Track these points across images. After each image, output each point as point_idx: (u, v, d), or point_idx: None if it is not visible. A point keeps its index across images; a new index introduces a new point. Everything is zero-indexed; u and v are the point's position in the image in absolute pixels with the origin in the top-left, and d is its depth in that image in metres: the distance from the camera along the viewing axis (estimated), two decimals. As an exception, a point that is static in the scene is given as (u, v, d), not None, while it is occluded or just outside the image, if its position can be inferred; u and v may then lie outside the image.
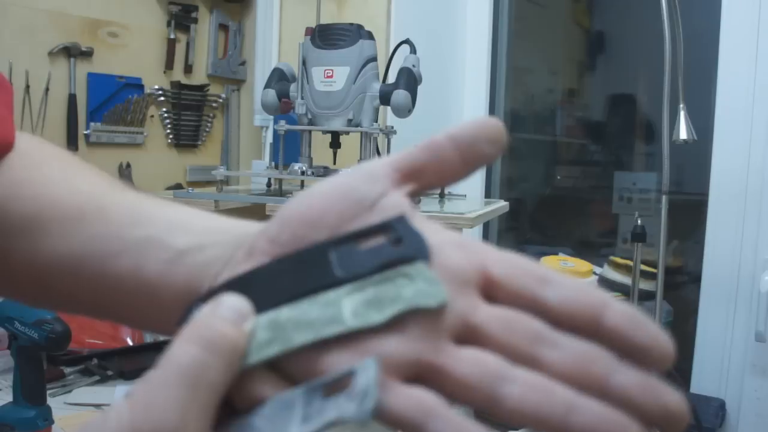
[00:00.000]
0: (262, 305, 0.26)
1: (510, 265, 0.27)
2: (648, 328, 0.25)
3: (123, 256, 0.32)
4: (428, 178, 0.29)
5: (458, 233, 0.28)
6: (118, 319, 0.36)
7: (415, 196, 0.30)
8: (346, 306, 0.25)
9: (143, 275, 0.31)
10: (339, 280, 0.26)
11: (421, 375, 0.25)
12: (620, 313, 0.25)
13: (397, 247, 0.27)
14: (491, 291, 0.26)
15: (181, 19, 1.82)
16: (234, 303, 0.25)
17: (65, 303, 0.37)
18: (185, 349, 0.23)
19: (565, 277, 0.26)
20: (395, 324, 0.25)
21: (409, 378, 0.24)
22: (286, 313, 0.25)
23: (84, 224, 0.33)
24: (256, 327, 0.25)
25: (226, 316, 0.24)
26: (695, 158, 1.53)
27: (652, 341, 0.24)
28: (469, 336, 0.25)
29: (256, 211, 1.16)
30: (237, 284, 0.27)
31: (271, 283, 0.27)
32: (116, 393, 1.24)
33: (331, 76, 1.17)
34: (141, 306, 0.32)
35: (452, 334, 0.25)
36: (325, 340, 0.25)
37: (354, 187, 0.28)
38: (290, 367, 0.25)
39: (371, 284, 0.26)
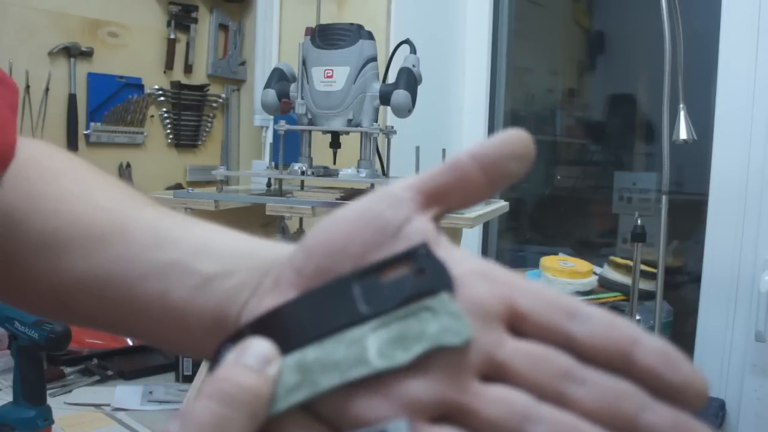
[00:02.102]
0: (288, 345, 0.26)
1: (537, 297, 0.26)
2: (682, 366, 0.24)
3: (148, 280, 0.32)
4: (452, 200, 0.29)
5: (484, 261, 0.28)
6: (142, 338, 0.35)
7: (440, 219, 0.29)
8: (371, 344, 0.25)
9: (170, 301, 0.31)
10: (363, 316, 0.26)
11: (447, 414, 0.24)
12: (652, 350, 0.24)
13: (420, 278, 0.26)
14: (518, 324, 0.26)
15: (181, 19, 1.82)
16: (259, 348, 0.25)
17: (88, 322, 0.36)
18: (204, 405, 0.23)
19: (595, 309, 0.25)
20: (420, 362, 0.24)
21: (435, 417, 0.24)
22: (312, 353, 0.25)
23: (105, 245, 0.33)
24: (283, 370, 0.25)
25: (251, 364, 0.24)
26: (695, 158, 1.53)
27: (685, 381, 0.24)
28: (494, 372, 0.25)
29: (256, 211, 1.15)
30: (263, 323, 0.27)
31: (297, 321, 0.27)
32: (116, 393, 1.24)
33: (331, 76, 1.17)
34: (167, 330, 0.32)
35: (478, 370, 0.25)
36: (352, 382, 0.24)
37: (378, 213, 0.28)
38: (319, 408, 0.25)
39: (395, 319, 0.26)
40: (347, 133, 1.23)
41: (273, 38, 1.81)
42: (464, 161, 0.28)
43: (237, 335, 0.27)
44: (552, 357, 0.25)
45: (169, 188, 1.76)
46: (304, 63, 1.19)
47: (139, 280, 0.32)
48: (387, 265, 0.27)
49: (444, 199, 0.29)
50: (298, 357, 0.25)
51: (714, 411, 1.28)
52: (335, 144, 1.26)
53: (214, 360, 0.27)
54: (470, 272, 0.27)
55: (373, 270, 0.27)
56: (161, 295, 0.31)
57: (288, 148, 1.22)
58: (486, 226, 2.00)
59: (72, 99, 1.63)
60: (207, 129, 1.92)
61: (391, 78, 1.22)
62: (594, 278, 1.50)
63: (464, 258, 0.27)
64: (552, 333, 0.25)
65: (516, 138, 0.28)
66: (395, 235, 0.27)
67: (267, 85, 1.23)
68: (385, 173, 1.27)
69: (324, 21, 1.64)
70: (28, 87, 1.55)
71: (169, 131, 1.83)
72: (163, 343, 0.34)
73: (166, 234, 0.33)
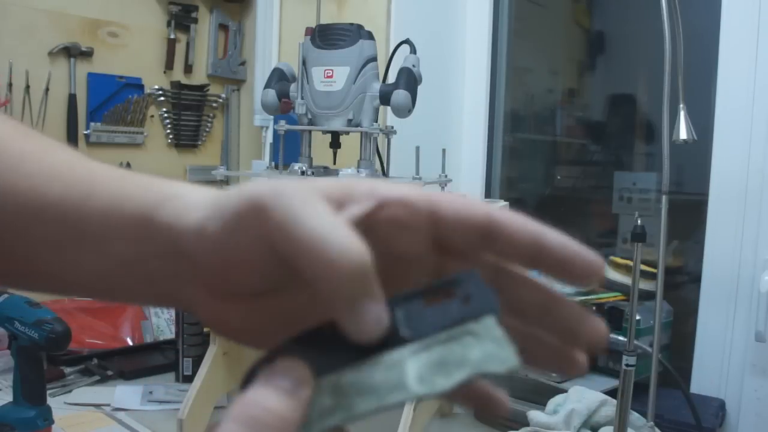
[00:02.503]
0: (324, 366, 0.25)
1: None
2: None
3: (81, 266, 0.32)
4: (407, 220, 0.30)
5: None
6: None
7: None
8: (410, 368, 0.24)
9: (106, 279, 0.32)
10: (404, 339, 0.25)
11: None
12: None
13: (466, 305, 0.26)
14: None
15: (181, 19, 1.82)
16: (291, 370, 0.24)
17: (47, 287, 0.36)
18: (229, 429, 0.23)
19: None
20: None
21: None
22: (348, 376, 0.25)
23: (25, 237, 0.32)
24: (319, 392, 0.24)
25: (281, 386, 0.24)
26: (695, 158, 1.53)
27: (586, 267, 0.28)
28: None
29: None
30: (298, 344, 0.27)
31: (335, 343, 0.26)
32: (116, 393, 1.24)
33: (331, 76, 1.17)
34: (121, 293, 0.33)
35: None
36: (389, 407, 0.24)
37: None
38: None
39: (437, 343, 0.25)
40: (347, 133, 1.23)
41: (273, 38, 1.81)
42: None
43: (270, 356, 0.26)
44: None
45: (169, 188, 1.76)
46: (304, 63, 1.19)
47: (72, 268, 0.32)
48: (433, 291, 0.27)
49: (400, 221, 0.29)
50: (334, 379, 0.25)
51: (714, 411, 1.28)
52: (335, 144, 1.26)
53: (246, 381, 0.26)
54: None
55: (417, 295, 0.27)
56: (99, 277, 0.32)
57: (288, 148, 1.22)
58: (486, 226, 1.99)
59: (72, 99, 1.63)
60: (207, 129, 1.92)
61: (391, 78, 1.22)
62: (594, 278, 1.50)
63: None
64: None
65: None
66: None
67: (267, 85, 1.23)
68: (385, 173, 1.27)
69: (324, 21, 1.64)
70: (28, 87, 1.55)
71: (169, 131, 1.83)
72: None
73: (73, 215, 0.32)
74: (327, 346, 0.26)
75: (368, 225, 0.27)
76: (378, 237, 0.27)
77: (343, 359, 0.25)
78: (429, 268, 0.30)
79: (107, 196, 0.31)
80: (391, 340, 0.25)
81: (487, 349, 0.24)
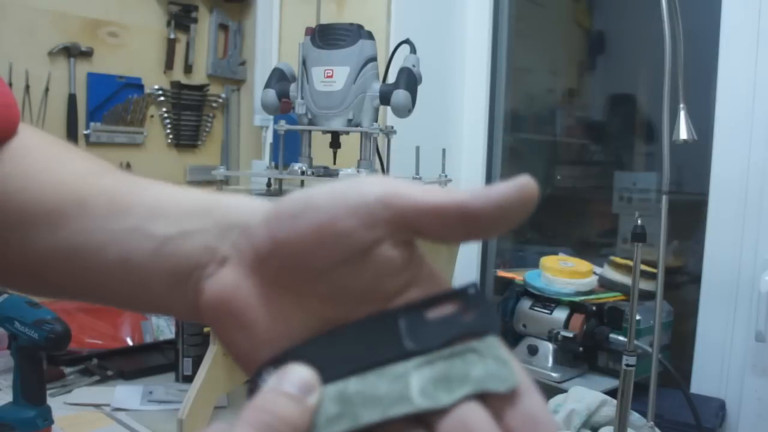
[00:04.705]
0: (330, 373, 0.26)
1: None
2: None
3: (109, 248, 0.32)
4: (425, 234, 0.28)
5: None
6: (112, 303, 0.36)
7: (408, 245, 0.29)
8: (414, 382, 0.25)
9: (130, 266, 0.32)
10: (408, 351, 0.26)
11: None
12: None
13: (467, 317, 0.26)
14: None
15: (181, 19, 1.82)
16: (300, 376, 0.25)
17: (59, 292, 0.37)
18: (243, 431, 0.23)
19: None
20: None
21: None
22: (354, 385, 0.25)
23: (66, 219, 0.34)
24: (324, 399, 0.25)
25: (290, 392, 0.24)
26: (695, 158, 1.53)
27: None
28: None
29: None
30: (305, 349, 0.27)
31: (340, 350, 0.27)
32: (116, 393, 1.24)
33: (331, 76, 1.17)
34: (132, 292, 0.33)
35: None
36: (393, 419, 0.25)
37: (349, 230, 0.27)
38: None
39: (440, 359, 0.25)
40: (347, 133, 1.23)
41: (273, 38, 1.81)
42: (449, 207, 0.27)
43: (278, 359, 0.27)
44: None
45: (169, 188, 1.76)
46: (304, 63, 1.19)
47: (99, 250, 0.33)
48: (435, 301, 0.27)
49: (418, 230, 0.28)
50: (340, 387, 0.25)
51: (714, 411, 1.28)
52: (335, 144, 1.26)
53: (253, 382, 0.27)
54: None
55: (420, 305, 0.27)
56: (122, 261, 0.32)
57: (288, 148, 1.22)
58: (486, 226, 1.99)
59: (72, 99, 1.63)
60: (207, 129, 1.92)
61: (391, 78, 1.22)
62: (594, 278, 1.50)
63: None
64: None
65: (513, 199, 0.27)
66: (362, 255, 0.27)
67: (267, 85, 1.23)
68: (385, 173, 1.27)
69: (324, 21, 1.64)
70: (28, 87, 1.55)
71: (169, 131, 1.84)
72: (131, 306, 0.35)
73: (122, 200, 0.33)
74: (334, 353, 0.27)
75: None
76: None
77: (350, 368, 0.26)
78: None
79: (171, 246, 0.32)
80: (395, 351, 0.26)
81: (489, 367, 0.25)
